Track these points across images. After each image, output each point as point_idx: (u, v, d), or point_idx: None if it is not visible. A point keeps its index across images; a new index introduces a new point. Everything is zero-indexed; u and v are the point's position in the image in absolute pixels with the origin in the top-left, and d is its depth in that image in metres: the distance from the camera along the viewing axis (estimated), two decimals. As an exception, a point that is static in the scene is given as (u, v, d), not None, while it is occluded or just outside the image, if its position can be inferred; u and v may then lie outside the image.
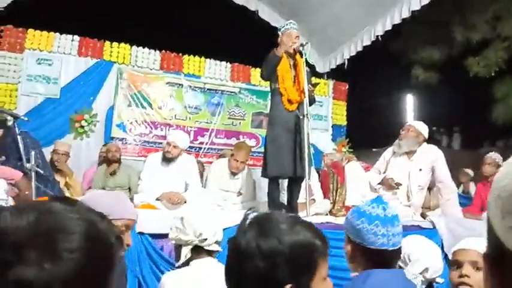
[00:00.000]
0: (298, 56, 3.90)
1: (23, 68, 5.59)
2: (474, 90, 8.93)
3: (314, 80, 4.60)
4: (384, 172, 4.33)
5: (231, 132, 6.69)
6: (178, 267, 1.91)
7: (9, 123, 3.28)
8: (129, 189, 4.79)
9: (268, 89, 4.16)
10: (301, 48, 3.82)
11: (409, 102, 12.83)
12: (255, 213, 1.05)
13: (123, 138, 6.01)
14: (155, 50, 6.34)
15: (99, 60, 5.99)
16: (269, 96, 4.26)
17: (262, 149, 4.65)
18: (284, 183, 4.15)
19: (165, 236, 2.63)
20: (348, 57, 6.74)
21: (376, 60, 8.68)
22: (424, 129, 4.26)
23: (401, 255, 1.91)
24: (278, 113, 3.87)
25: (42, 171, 3.38)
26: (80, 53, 5.90)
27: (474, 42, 8.44)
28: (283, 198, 4.11)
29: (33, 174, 3.16)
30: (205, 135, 6.53)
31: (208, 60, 6.64)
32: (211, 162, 5.49)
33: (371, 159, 5.44)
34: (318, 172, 4.80)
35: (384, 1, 5.68)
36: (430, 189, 4.77)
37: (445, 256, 2.85)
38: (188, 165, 4.27)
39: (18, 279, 0.55)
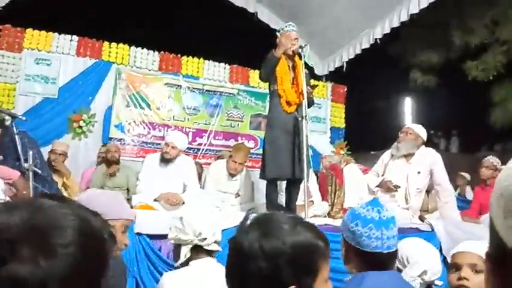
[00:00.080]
0: (297, 58, 3.90)
1: (21, 68, 5.58)
2: (472, 94, 8.96)
3: (312, 82, 4.60)
4: (382, 175, 4.34)
5: (229, 134, 6.68)
6: (178, 267, 1.90)
7: (7, 122, 3.28)
8: (128, 190, 4.79)
9: (267, 90, 4.16)
10: (300, 50, 3.83)
11: (408, 105, 12.87)
12: (255, 214, 1.05)
13: (121, 139, 6.00)
14: (154, 51, 6.33)
15: (97, 60, 5.98)
16: (268, 98, 4.26)
17: (260, 151, 4.64)
18: (282, 185, 4.15)
19: (163, 236, 2.63)
20: (347, 59, 6.75)
21: (374, 63, 8.71)
22: (422, 132, 4.27)
23: (400, 258, 1.91)
24: (277, 114, 3.86)
25: (40, 171, 3.37)
26: (79, 53, 5.89)
27: (472, 46, 8.47)
28: (282, 199, 4.11)
29: (30, 174, 3.16)
30: (204, 136, 6.53)
31: (207, 61, 6.64)
32: (209, 164, 5.49)
33: (369, 162, 5.45)
34: (316, 174, 4.80)
35: (382, 4, 5.69)
36: (428, 192, 4.77)
37: (444, 259, 2.85)
38: (186, 166, 4.27)
39: (13, 276, 0.55)
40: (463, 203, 5.38)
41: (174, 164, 4.21)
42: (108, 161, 4.90)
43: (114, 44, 6.09)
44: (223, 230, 2.09)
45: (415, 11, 5.30)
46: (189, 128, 6.43)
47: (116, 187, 4.76)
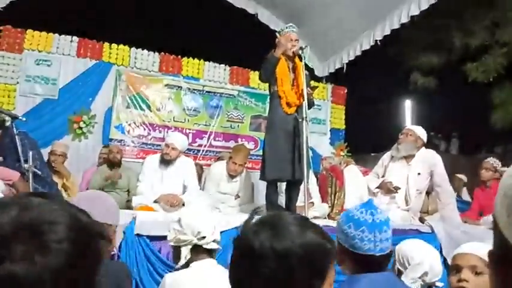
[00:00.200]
0: (297, 59, 3.90)
1: (21, 69, 5.58)
2: (472, 96, 8.97)
3: (313, 83, 4.60)
4: (383, 176, 4.34)
5: (229, 135, 6.68)
6: (178, 269, 1.90)
7: (8, 123, 3.28)
8: (128, 191, 4.78)
9: (267, 92, 4.16)
10: (300, 52, 3.83)
11: (408, 107, 12.86)
12: (261, 214, 1.03)
13: (121, 140, 6.00)
14: (154, 52, 6.34)
15: (98, 61, 5.98)
16: (268, 99, 4.26)
17: (260, 152, 4.64)
18: (282, 186, 4.14)
19: (163, 238, 2.63)
20: (347, 61, 6.76)
21: (374, 65, 8.71)
22: (422, 133, 4.27)
23: (401, 259, 1.91)
24: (277, 116, 3.86)
25: (40, 172, 3.37)
26: (79, 54, 5.89)
27: (473, 47, 8.48)
28: (282, 201, 4.11)
29: (30, 175, 3.16)
30: (204, 137, 6.53)
31: (207, 62, 6.64)
32: (209, 165, 5.49)
33: (369, 164, 5.46)
34: (316, 176, 4.79)
35: (383, 6, 5.70)
36: (428, 193, 4.77)
37: (444, 260, 2.85)
38: (186, 168, 4.26)
39: (9, 274, 0.54)
40: (460, 204, 5.39)
41: (174, 165, 4.20)
42: (110, 162, 4.90)
43: (114, 45, 6.10)
44: (222, 231, 2.08)
45: (416, 12, 5.30)
46: (189, 129, 6.43)
47: (117, 188, 4.76)
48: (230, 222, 3.11)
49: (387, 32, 5.84)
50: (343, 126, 7.47)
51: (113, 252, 2.60)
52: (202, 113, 6.55)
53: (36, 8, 7.31)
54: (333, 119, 7.38)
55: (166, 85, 6.37)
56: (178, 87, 6.44)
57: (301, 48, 3.84)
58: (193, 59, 6.56)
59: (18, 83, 5.55)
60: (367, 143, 9.79)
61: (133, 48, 6.21)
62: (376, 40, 6.03)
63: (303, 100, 3.71)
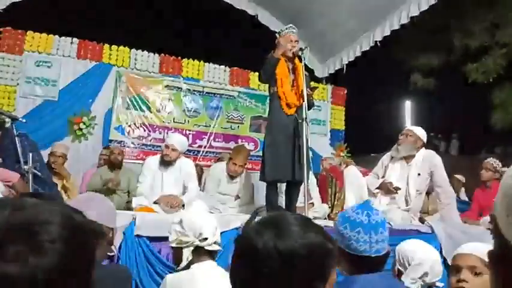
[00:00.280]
0: (297, 60, 3.90)
1: (21, 70, 5.59)
2: (472, 97, 8.98)
3: (312, 84, 4.60)
4: (383, 177, 4.33)
5: (229, 136, 6.69)
6: (179, 270, 1.90)
7: (8, 125, 3.27)
8: (128, 192, 4.78)
9: (267, 93, 4.16)
10: (300, 53, 3.83)
11: (408, 107, 12.87)
12: (263, 214, 1.03)
13: (121, 141, 6.00)
14: (154, 53, 6.35)
15: (98, 62, 5.99)
16: (268, 100, 4.26)
17: (260, 153, 4.64)
18: (282, 187, 4.14)
19: (163, 239, 2.62)
20: (347, 62, 6.77)
21: (374, 65, 8.72)
22: (422, 134, 4.27)
23: (401, 260, 1.91)
24: (277, 117, 3.86)
25: (39, 173, 3.37)
26: (79, 55, 5.90)
27: (473, 48, 8.48)
28: (282, 202, 4.10)
29: (30, 176, 3.16)
30: (204, 138, 6.53)
31: (207, 63, 6.66)
32: (209, 166, 5.49)
33: (369, 164, 5.44)
34: (316, 176, 4.79)
35: (383, 7, 5.70)
36: (428, 194, 4.77)
37: (444, 260, 2.84)
38: (186, 169, 4.26)
39: (2, 274, 0.54)
40: (458, 205, 5.39)
41: (174, 167, 4.20)
42: (111, 163, 4.90)
43: (114, 47, 6.11)
44: (222, 232, 2.08)
45: (416, 13, 5.31)
46: (189, 130, 6.44)
47: (118, 190, 4.76)
48: (230, 223, 3.10)
49: (387, 32, 5.85)
50: (343, 127, 7.48)
51: (112, 253, 2.60)
52: (202, 114, 6.56)
53: (37, 9, 7.31)
54: (333, 119, 7.39)
55: (166, 86, 6.37)
56: (178, 88, 6.44)
57: (301, 49, 3.84)
58: (193, 60, 6.57)
59: (18, 84, 5.56)
60: (367, 144, 9.79)
61: (133, 50, 6.22)
62: (376, 41, 6.04)
63: (303, 101, 3.71)
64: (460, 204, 5.28)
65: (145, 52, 6.29)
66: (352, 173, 4.56)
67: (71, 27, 6.25)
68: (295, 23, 4.13)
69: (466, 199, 6.13)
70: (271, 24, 6.79)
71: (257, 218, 1.01)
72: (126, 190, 4.82)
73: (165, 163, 4.17)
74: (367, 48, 6.28)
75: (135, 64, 6.19)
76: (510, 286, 0.51)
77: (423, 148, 4.25)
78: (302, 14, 6.19)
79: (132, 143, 6.12)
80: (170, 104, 6.39)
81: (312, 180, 4.47)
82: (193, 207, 3.84)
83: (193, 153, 6.33)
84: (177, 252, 1.92)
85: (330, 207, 4.40)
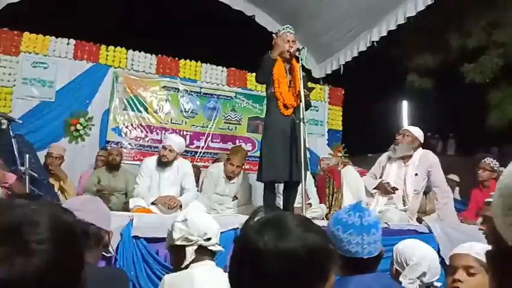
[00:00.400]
0: (294, 61, 3.90)
1: (18, 71, 5.56)
2: (469, 97, 8.98)
3: (310, 85, 4.61)
4: (380, 177, 4.34)
5: (227, 137, 6.68)
6: (179, 270, 1.90)
7: (4, 126, 3.26)
8: (126, 193, 4.78)
9: (264, 93, 4.16)
10: (297, 53, 3.83)
11: (405, 108, 12.87)
12: (263, 214, 1.02)
13: (118, 142, 5.98)
14: (151, 54, 6.33)
15: (94, 63, 5.97)
16: (265, 101, 4.26)
17: (258, 154, 4.64)
18: (280, 187, 4.14)
19: (161, 240, 2.62)
20: (344, 62, 6.77)
21: (371, 66, 8.71)
22: (419, 134, 4.27)
23: (399, 259, 1.91)
24: (274, 117, 3.86)
25: (36, 175, 3.36)
26: (76, 56, 5.88)
27: (470, 48, 8.50)
28: (279, 202, 4.11)
29: (27, 177, 3.14)
30: (201, 139, 6.53)
31: (204, 64, 6.65)
32: (207, 167, 5.48)
33: (366, 165, 5.44)
34: (313, 177, 4.80)
35: (380, 7, 5.71)
36: (426, 193, 4.78)
37: (441, 260, 2.84)
38: (184, 170, 4.26)
39: None
40: (458, 204, 5.41)
41: (172, 167, 4.20)
42: (110, 163, 4.89)
43: (111, 47, 6.09)
44: (220, 233, 2.08)
45: (412, 13, 5.31)
46: (187, 131, 6.43)
47: (116, 191, 4.75)
48: (227, 224, 3.10)
49: (384, 33, 5.86)
50: (341, 128, 7.48)
51: (110, 255, 2.59)
52: (199, 114, 6.55)
53: (33, 10, 7.28)
54: (330, 120, 7.39)
55: (163, 87, 6.36)
56: (176, 89, 6.43)
57: (298, 49, 3.85)
58: (191, 60, 6.56)
59: (14, 85, 5.54)
60: (365, 144, 9.78)
61: (130, 50, 6.20)
62: (372, 41, 6.05)
63: (300, 101, 3.71)
64: (457, 205, 5.30)
65: (143, 53, 6.27)
66: (349, 173, 4.57)
67: (67, 28, 6.22)
68: (292, 23, 4.13)
69: (459, 198, 6.15)
70: (268, 25, 6.78)
71: (256, 219, 1.00)
72: (124, 191, 4.82)
73: (163, 164, 4.17)
74: (364, 49, 6.28)
75: (132, 65, 6.17)
76: (508, 286, 0.51)
77: (420, 148, 4.26)
78: (299, 14, 6.19)
79: (129, 144, 6.10)
80: (167, 104, 6.38)
81: (310, 180, 4.48)
82: (191, 208, 3.83)
83: (191, 154, 6.32)
84: (179, 251, 1.90)
85: (327, 207, 4.40)
